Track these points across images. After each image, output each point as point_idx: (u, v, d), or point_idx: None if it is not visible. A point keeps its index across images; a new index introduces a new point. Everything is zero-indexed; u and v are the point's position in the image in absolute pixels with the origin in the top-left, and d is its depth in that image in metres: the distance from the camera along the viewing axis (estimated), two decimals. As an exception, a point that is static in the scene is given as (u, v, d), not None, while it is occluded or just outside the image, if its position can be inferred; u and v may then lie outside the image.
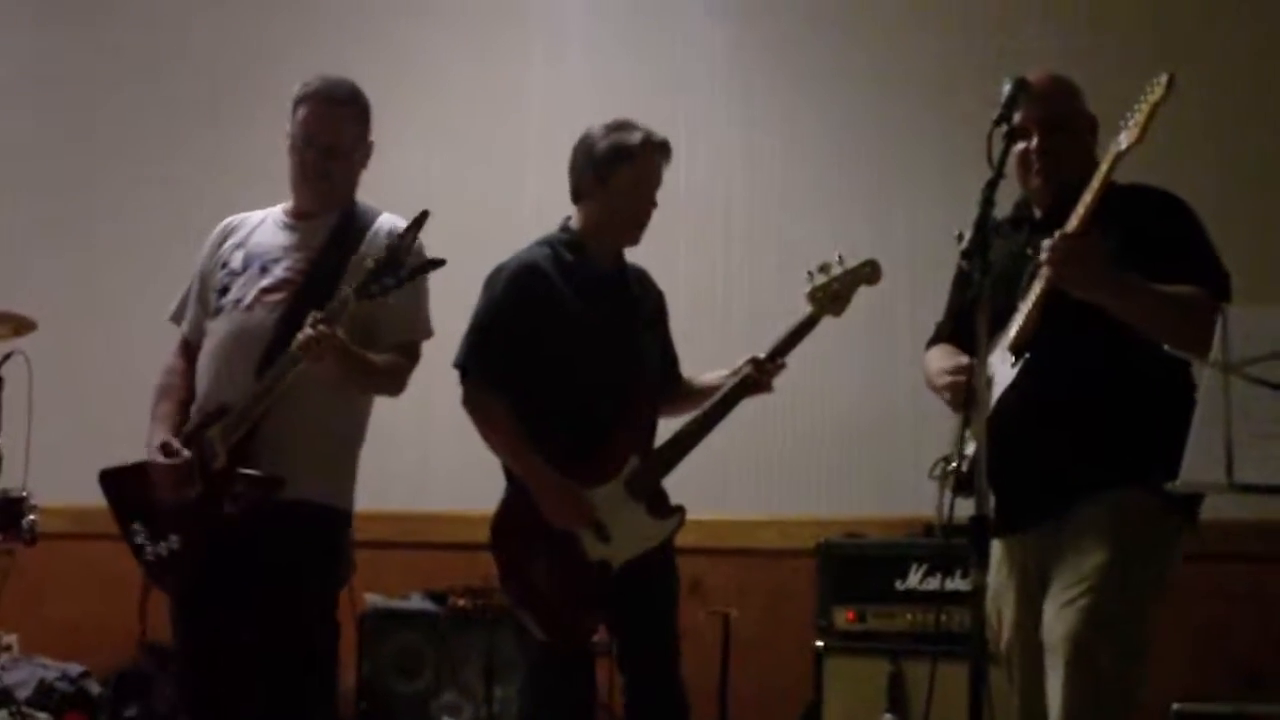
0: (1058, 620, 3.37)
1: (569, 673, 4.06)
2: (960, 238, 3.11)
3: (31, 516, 5.13)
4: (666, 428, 4.24)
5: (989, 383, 3.34)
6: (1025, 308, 3.41)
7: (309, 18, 6.61)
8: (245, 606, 3.80)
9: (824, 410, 5.81)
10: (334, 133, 4.01)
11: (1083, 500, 3.42)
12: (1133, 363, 3.33)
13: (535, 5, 6.49)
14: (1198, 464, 2.76)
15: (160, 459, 3.88)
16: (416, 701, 5.52)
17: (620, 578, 4.04)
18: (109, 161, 6.73)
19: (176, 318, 4.19)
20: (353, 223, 4.01)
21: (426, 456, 6.09)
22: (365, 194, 4.15)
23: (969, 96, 5.32)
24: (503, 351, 4.08)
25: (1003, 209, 3.50)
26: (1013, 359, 3.42)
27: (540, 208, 6.00)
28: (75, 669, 6.09)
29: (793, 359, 4.25)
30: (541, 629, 4.02)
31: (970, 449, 3.15)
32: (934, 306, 3.93)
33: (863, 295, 4.28)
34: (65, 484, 5.75)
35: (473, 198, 6.24)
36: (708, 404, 4.20)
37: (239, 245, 4.08)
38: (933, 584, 4.95)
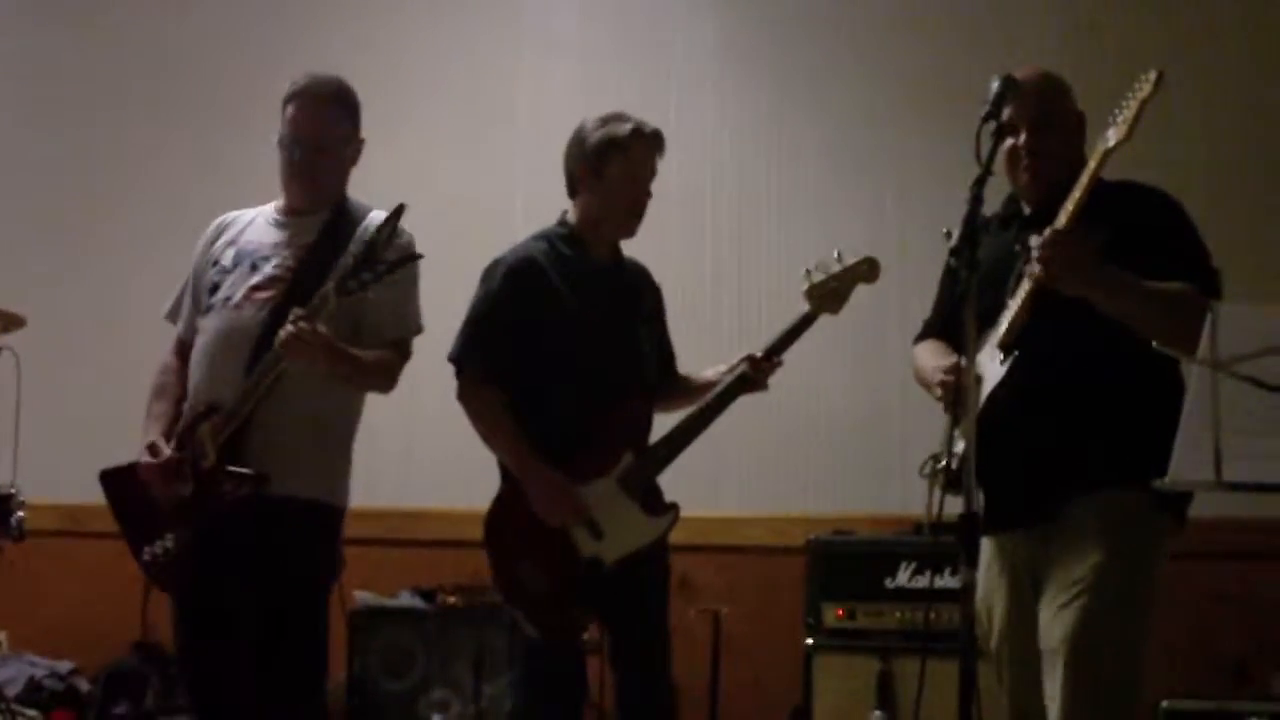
0: (1055, 624, 3.37)
1: (561, 669, 4.06)
2: (949, 235, 3.11)
3: (20, 513, 5.11)
4: (662, 424, 4.23)
5: (978, 380, 3.34)
6: (1014, 305, 3.41)
7: (301, 17, 6.60)
8: (240, 603, 3.81)
9: (814, 408, 5.81)
10: (320, 130, 4.01)
11: (1074, 500, 3.42)
12: (1122, 360, 3.33)
13: (526, 4, 6.48)
14: (1186, 462, 2.77)
15: (147, 459, 3.89)
16: (406, 699, 5.52)
17: (612, 574, 4.03)
18: (98, 159, 6.71)
19: (172, 316, 4.19)
20: (343, 219, 4.01)
21: (415, 454, 6.09)
22: (356, 192, 4.14)
23: (959, 95, 5.30)
24: (498, 345, 4.07)
25: (992, 206, 3.51)
26: (1002, 356, 3.42)
27: (531, 206, 6.01)
28: (64, 666, 6.09)
29: (783, 356, 4.25)
30: (533, 625, 4.02)
31: (960, 446, 3.16)
32: (924, 304, 3.94)
33: (853, 293, 4.28)
34: (54, 481, 5.77)
35: (463, 195, 6.23)
36: (703, 401, 4.20)
37: (230, 243, 4.08)
38: (922, 582, 4.96)
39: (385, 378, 4.00)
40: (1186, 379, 2.90)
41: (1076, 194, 3.28)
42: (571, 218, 4.22)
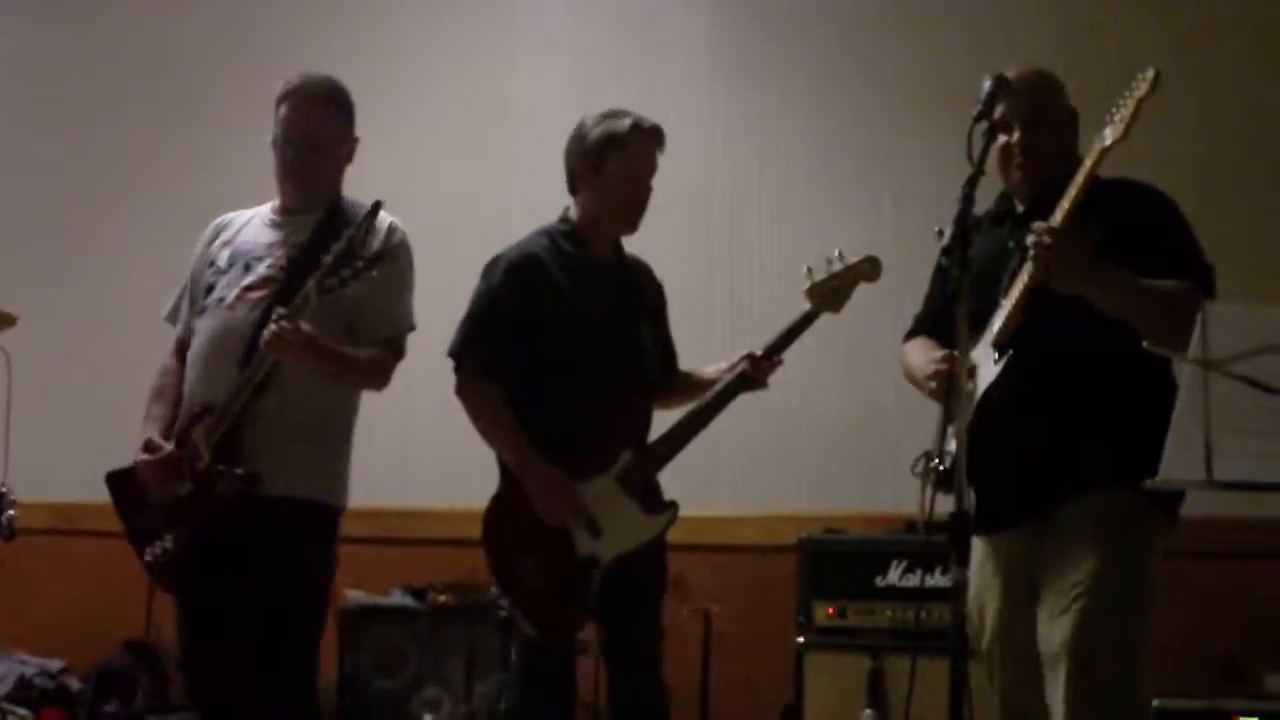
0: (1054, 629, 3.37)
1: (557, 666, 4.06)
2: (940, 234, 3.11)
3: (10, 512, 5.10)
4: (661, 421, 4.23)
5: (970, 378, 3.34)
6: (1008, 304, 3.40)
7: (296, 16, 6.60)
8: (236, 603, 3.82)
9: (806, 407, 5.80)
10: (312, 129, 4.03)
11: (1068, 502, 3.42)
12: (1116, 360, 3.31)
13: (520, 3, 6.48)
14: (1177, 461, 2.77)
15: (145, 457, 3.90)
16: (397, 697, 5.52)
17: (609, 572, 4.03)
18: (95, 159, 6.70)
19: (171, 318, 4.21)
20: (338, 218, 4.01)
21: (408, 452, 6.08)
22: (352, 190, 4.15)
23: (954, 95, 5.28)
24: (498, 341, 4.07)
25: (984, 204, 3.51)
26: (996, 355, 3.42)
27: (526, 204, 5.98)
28: (55, 665, 6.09)
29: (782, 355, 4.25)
30: (530, 622, 4.01)
31: (952, 445, 3.15)
32: (917, 303, 3.93)
33: (854, 292, 4.28)
34: (44, 479, 5.77)
35: (459, 194, 6.23)
36: (703, 399, 4.19)
37: (226, 244, 4.10)
38: (913, 580, 4.96)
39: (378, 375, 4.00)
40: (1179, 378, 2.90)
41: (1073, 191, 3.28)
42: (573, 214, 4.21)
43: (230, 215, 4.20)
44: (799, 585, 5.11)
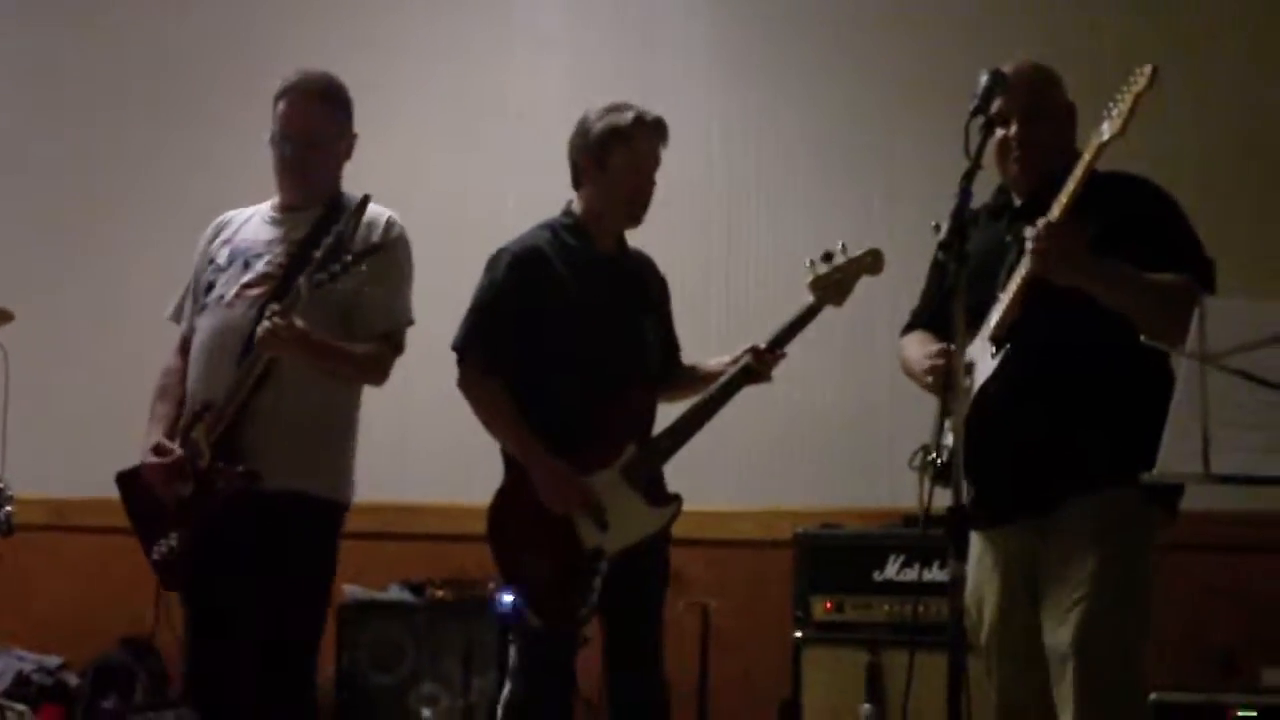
0: (1058, 630, 3.38)
1: (560, 658, 4.06)
2: (937, 229, 3.11)
3: (8, 508, 5.10)
4: (665, 415, 4.23)
5: (968, 372, 3.34)
6: (1006, 298, 3.40)
7: (295, 15, 6.59)
8: (238, 600, 3.83)
9: (803, 402, 5.80)
10: (309, 126, 4.04)
11: (1067, 499, 3.41)
12: (1114, 354, 3.31)
13: (517, 2, 6.47)
14: (1174, 454, 2.77)
15: (152, 459, 3.91)
16: (395, 692, 5.52)
17: (613, 567, 4.03)
18: (95, 158, 6.69)
19: (175, 316, 4.21)
20: (336, 215, 4.01)
21: (406, 448, 6.08)
22: (350, 188, 4.14)
23: (950, 93, 5.28)
24: (501, 334, 4.07)
25: (980, 198, 3.50)
26: (993, 349, 3.42)
27: (522, 202, 6.00)
28: (53, 661, 6.08)
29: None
30: (535, 613, 4.01)
31: (950, 439, 3.16)
32: (913, 298, 3.94)
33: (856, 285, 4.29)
34: (41, 475, 5.77)
35: (456, 192, 6.23)
36: (707, 392, 4.19)
37: (226, 242, 4.11)
38: (910, 575, 4.96)
39: (376, 370, 4.00)
40: (1177, 372, 2.90)
41: (1071, 186, 3.27)
42: (576, 208, 4.21)
43: (231, 213, 4.21)
44: (796, 580, 5.11)
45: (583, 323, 4.07)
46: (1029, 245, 3.28)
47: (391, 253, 3.98)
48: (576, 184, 4.21)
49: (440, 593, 5.58)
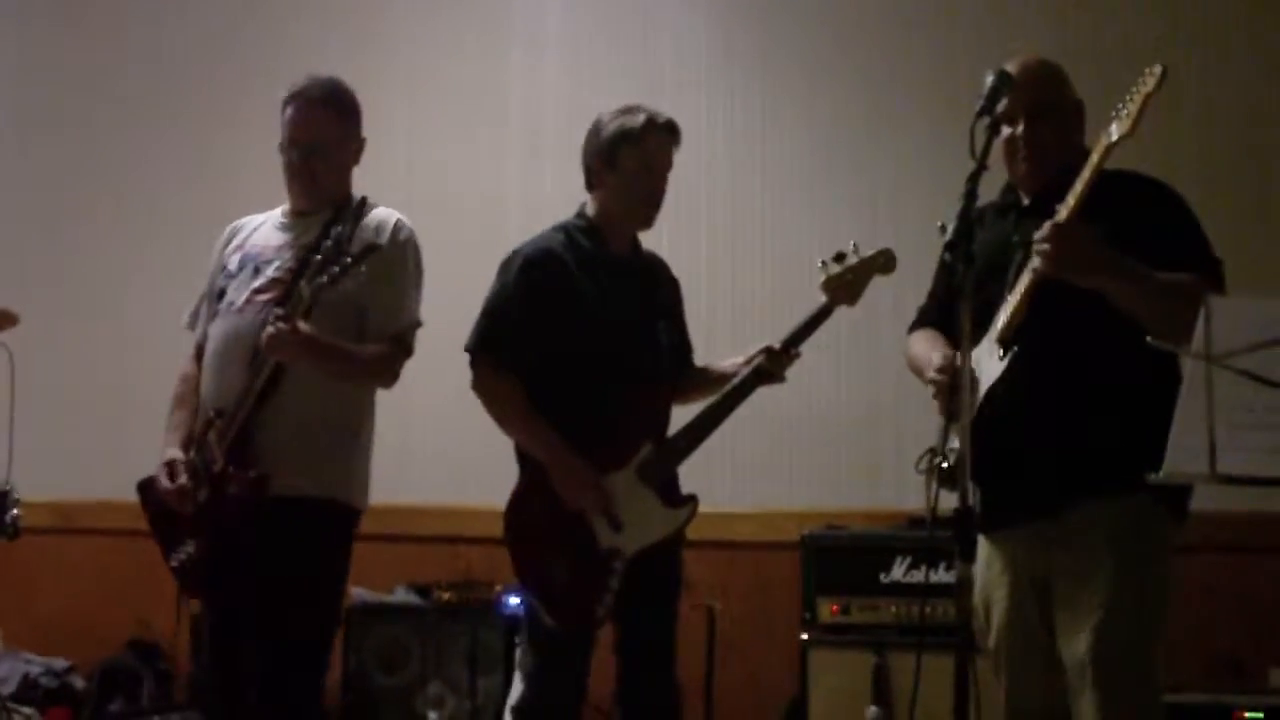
0: (1077, 641, 3.36)
1: (575, 659, 4.05)
2: (943, 229, 3.10)
3: (14, 511, 5.11)
4: (678, 417, 4.23)
5: (974, 375, 3.33)
6: (1013, 299, 3.39)
7: (293, 13, 6.60)
8: (250, 604, 3.84)
9: (807, 403, 5.80)
10: (314, 132, 4.04)
11: (1077, 504, 3.40)
12: (1124, 356, 3.29)
13: (516, 2, 6.47)
14: (1180, 455, 2.76)
15: (164, 479, 3.92)
16: (401, 694, 5.53)
17: (628, 568, 4.02)
18: (96, 159, 6.69)
19: (191, 324, 4.22)
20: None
21: (411, 450, 6.07)
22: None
23: (954, 93, 5.31)
24: (514, 336, 4.06)
25: (989, 196, 3.49)
26: (1001, 351, 3.41)
27: (522, 203, 6.02)
28: (60, 664, 6.09)
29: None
30: (550, 613, 4.00)
31: (957, 442, 3.15)
32: (918, 299, 3.93)
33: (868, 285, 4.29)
34: (47, 479, 5.77)
35: (455, 193, 6.23)
36: (721, 392, 4.19)
37: (238, 248, 4.12)
38: (917, 576, 4.96)
39: (384, 372, 4.01)
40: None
41: (1079, 187, 3.26)
42: (589, 210, 4.21)
43: (244, 219, 4.21)
44: (803, 581, 5.11)
45: (596, 324, 4.06)
46: (1037, 246, 3.27)
47: (400, 254, 3.99)
48: (590, 186, 4.21)
49: (446, 595, 5.59)
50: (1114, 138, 3.22)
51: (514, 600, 5.21)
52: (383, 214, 4.04)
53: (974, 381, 3.33)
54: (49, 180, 6.74)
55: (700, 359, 4.43)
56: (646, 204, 4.17)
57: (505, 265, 4.14)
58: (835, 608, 5.03)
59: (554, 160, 5.94)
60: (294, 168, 4.05)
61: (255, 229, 4.14)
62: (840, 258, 4.22)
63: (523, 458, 4.11)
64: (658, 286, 4.32)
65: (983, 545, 3.51)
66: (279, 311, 3.74)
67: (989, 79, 3.25)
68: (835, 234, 4.57)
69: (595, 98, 4.32)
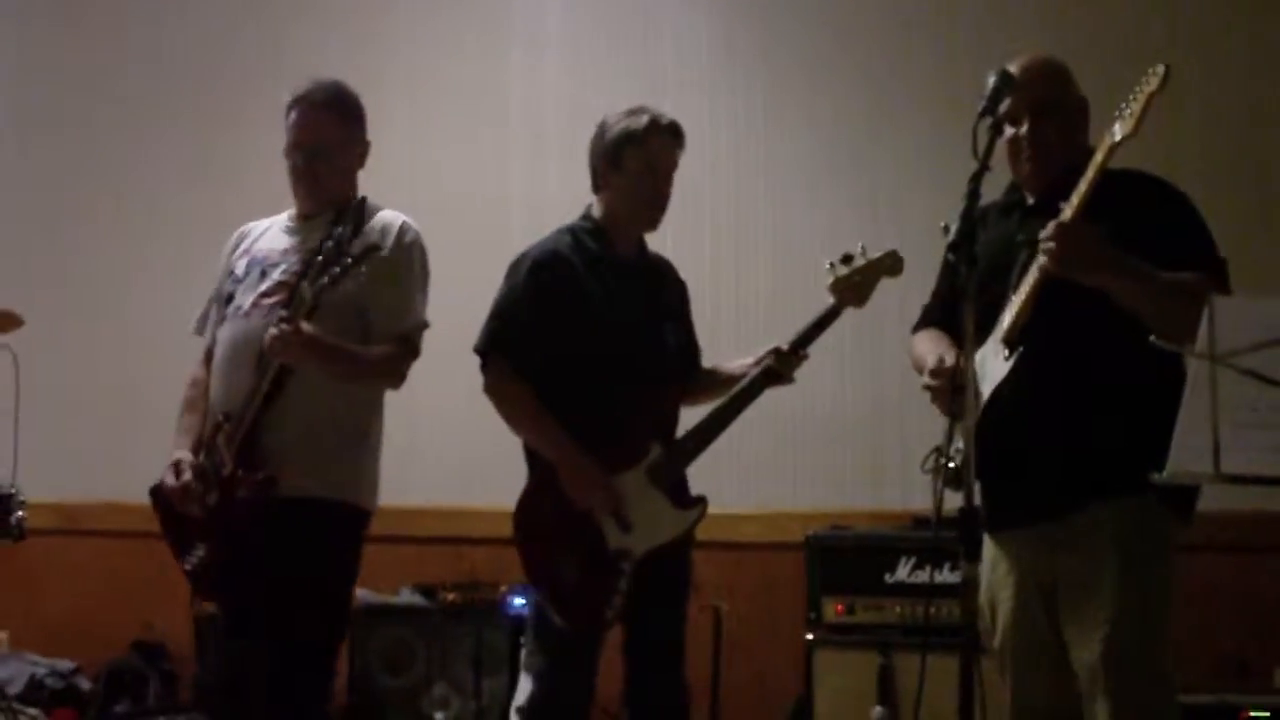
0: (1088, 645, 3.36)
1: (582, 659, 4.05)
2: (946, 230, 3.09)
3: (19, 513, 5.13)
4: (686, 419, 4.23)
5: (978, 375, 3.33)
6: (1018, 299, 3.38)
7: (293, 13, 6.60)
8: (259, 605, 3.85)
9: (812, 403, 5.80)
10: (317, 135, 4.05)
11: (1085, 507, 3.39)
12: (1129, 357, 3.26)
13: (516, 1, 6.48)
14: (1184, 454, 2.76)
15: (170, 481, 3.93)
16: (406, 695, 5.54)
17: (637, 569, 4.02)
18: (97, 159, 6.70)
19: (199, 328, 4.22)
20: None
21: (415, 451, 6.07)
22: (346, 189, 4.16)
23: (956, 92, 5.31)
24: (523, 338, 4.07)
25: (992, 195, 3.49)
26: (1006, 351, 3.40)
27: (524, 204, 6.02)
28: (66, 665, 6.10)
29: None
30: (560, 614, 4.01)
31: (962, 442, 3.14)
32: (922, 299, 3.93)
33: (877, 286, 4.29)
34: (53, 480, 5.78)
35: (456, 194, 6.23)
36: (730, 393, 4.19)
37: (245, 252, 4.13)
38: (922, 576, 4.96)
39: (390, 373, 4.01)
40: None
41: (1083, 187, 3.25)
42: (595, 212, 4.22)
43: (252, 224, 4.22)
44: (807, 582, 5.11)
45: (604, 326, 4.07)
46: (1042, 245, 3.27)
47: (405, 256, 4.00)
48: (595, 188, 4.22)
49: (451, 596, 5.59)
50: (1117, 137, 3.22)
51: (519, 601, 5.22)
52: (389, 216, 4.05)
53: (976, 384, 3.32)
54: (50, 181, 6.75)
55: (704, 357, 4.43)
56: (651, 206, 4.18)
57: (513, 267, 4.15)
58: (840, 608, 5.04)
59: (557, 160, 5.94)
60: (298, 171, 4.06)
61: (262, 233, 4.14)
62: (848, 259, 4.22)
63: (532, 458, 4.12)
64: (664, 287, 4.32)
65: (988, 545, 3.50)
66: (283, 313, 3.75)
67: (991, 79, 3.23)
68: (838, 233, 4.58)
69: (596, 98, 4.33)
